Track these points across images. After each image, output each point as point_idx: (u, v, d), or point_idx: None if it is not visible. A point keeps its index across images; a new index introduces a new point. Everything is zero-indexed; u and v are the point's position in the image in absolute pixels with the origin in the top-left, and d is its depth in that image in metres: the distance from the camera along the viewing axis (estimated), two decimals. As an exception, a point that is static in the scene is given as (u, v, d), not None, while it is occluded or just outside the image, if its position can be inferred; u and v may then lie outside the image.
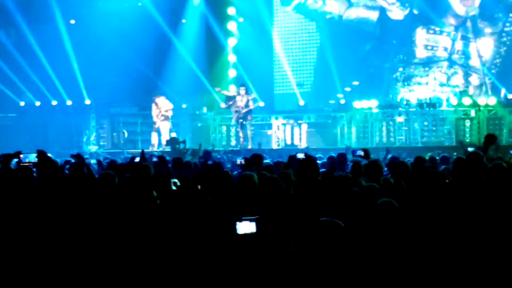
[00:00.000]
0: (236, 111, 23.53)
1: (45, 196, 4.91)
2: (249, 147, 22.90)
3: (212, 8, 27.45)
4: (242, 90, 23.64)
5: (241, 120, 23.56)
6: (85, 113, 25.67)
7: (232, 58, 27.95)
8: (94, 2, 27.05)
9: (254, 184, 7.06)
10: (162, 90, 24.83)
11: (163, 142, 23.63)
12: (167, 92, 24.74)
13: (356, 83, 26.42)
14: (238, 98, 23.57)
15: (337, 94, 25.96)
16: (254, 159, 10.70)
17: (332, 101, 25.66)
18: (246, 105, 23.43)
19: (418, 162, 10.64)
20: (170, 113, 24.13)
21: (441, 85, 25.07)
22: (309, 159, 9.53)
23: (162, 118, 24.04)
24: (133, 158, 12.61)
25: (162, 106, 24.04)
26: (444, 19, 26.54)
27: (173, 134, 24.02)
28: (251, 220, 3.61)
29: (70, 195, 4.95)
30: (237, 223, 3.62)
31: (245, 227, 3.59)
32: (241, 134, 23.78)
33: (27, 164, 5.30)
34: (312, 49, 28.49)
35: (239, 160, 11.43)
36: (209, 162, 12.24)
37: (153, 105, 24.12)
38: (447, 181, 7.65)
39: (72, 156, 9.86)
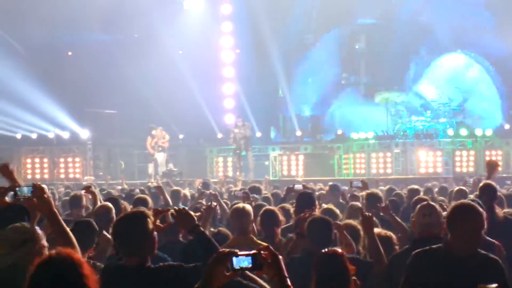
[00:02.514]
0: (235, 142, 23.56)
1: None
2: (251, 177, 22.83)
3: (207, 37, 27.58)
4: (240, 122, 23.68)
5: (238, 151, 23.58)
6: (82, 144, 25.61)
7: (229, 88, 27.99)
8: (90, 34, 27.16)
9: (248, 216, 7.03)
10: (160, 121, 24.81)
11: (160, 173, 23.63)
12: (166, 123, 24.75)
13: None
14: (236, 130, 23.62)
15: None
16: (252, 191, 10.69)
17: None
18: (244, 135, 23.46)
19: (412, 194, 10.58)
20: (166, 145, 24.15)
21: (438, 116, 25.08)
22: (307, 191, 9.50)
23: (159, 149, 24.05)
24: (131, 190, 12.61)
25: (158, 137, 24.07)
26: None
27: (170, 166, 24.03)
28: (247, 256, 3.57)
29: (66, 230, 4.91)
30: (234, 258, 3.58)
31: (242, 262, 3.55)
32: (238, 165, 23.77)
33: (22, 198, 5.25)
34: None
35: (236, 191, 11.40)
36: (207, 193, 12.22)
37: (149, 137, 24.14)
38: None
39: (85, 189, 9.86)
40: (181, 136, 26.24)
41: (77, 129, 25.87)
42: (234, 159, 24.16)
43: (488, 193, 8.07)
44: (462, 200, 5.92)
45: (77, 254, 3.38)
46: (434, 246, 5.14)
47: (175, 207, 5.72)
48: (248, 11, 27.60)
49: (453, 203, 5.55)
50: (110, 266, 4.96)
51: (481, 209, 5.03)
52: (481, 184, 8.50)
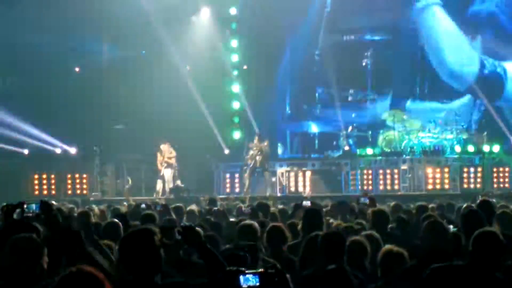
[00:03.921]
0: (252, 160, 23.56)
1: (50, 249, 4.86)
2: (267, 194, 22.82)
3: (215, 53, 27.68)
4: (256, 139, 23.72)
5: (253, 168, 23.57)
6: (90, 160, 25.60)
7: (237, 104, 28.05)
8: (99, 51, 27.28)
9: (255, 233, 7.02)
10: (167, 137, 24.80)
11: (167, 189, 23.63)
12: (173, 138, 24.76)
13: None
14: (251, 145, 23.66)
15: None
16: (260, 207, 10.67)
17: None
18: (261, 152, 23.47)
19: (421, 211, 10.53)
20: (173, 161, 24.12)
21: (446, 132, 25.03)
22: (315, 207, 9.49)
23: (165, 165, 24.05)
24: (137, 205, 12.62)
25: (165, 153, 24.07)
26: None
27: (178, 182, 24.01)
28: (254, 274, 3.56)
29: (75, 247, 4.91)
30: (241, 276, 3.57)
31: (249, 280, 3.54)
32: (247, 182, 23.74)
33: (30, 214, 5.26)
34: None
35: (245, 208, 11.41)
36: (214, 210, 12.23)
37: (158, 153, 24.15)
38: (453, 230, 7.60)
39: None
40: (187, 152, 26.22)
41: (69, 146, 25.92)
42: (244, 175, 24.09)
43: (486, 210, 8.28)
44: (487, 228, 6.05)
45: (99, 272, 3.38)
46: (455, 263, 5.52)
47: (182, 224, 5.71)
48: (255, 27, 27.68)
49: (479, 230, 5.66)
50: (119, 282, 4.96)
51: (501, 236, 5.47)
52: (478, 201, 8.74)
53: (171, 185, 23.87)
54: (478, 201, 8.63)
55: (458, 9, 27.60)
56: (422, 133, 25.18)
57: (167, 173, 24.01)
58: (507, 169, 23.58)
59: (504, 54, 27.19)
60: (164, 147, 24.10)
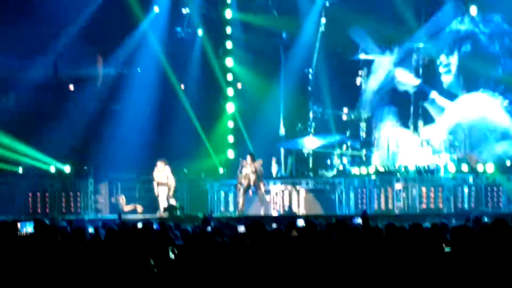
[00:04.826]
0: (245, 179, 23.54)
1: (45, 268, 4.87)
2: (261, 213, 22.90)
3: (210, 71, 27.77)
4: (249, 158, 23.71)
5: (245, 187, 23.55)
6: (83, 178, 25.56)
7: (231, 123, 28.12)
8: (92, 68, 27.35)
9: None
10: (162, 155, 24.81)
11: (161, 208, 23.62)
12: (167, 157, 24.77)
13: None
14: (244, 163, 23.65)
15: None
16: (255, 227, 10.63)
17: None
18: (255, 171, 23.47)
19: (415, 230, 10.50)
20: (165, 180, 24.12)
21: (440, 151, 25.08)
22: (310, 226, 9.49)
23: (159, 183, 24.10)
24: (134, 225, 12.60)
25: (159, 170, 24.11)
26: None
27: (172, 200, 23.98)
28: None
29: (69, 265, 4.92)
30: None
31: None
32: (241, 200, 23.73)
33: (24, 235, 5.25)
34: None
35: (240, 228, 11.38)
36: (208, 229, 12.20)
37: (154, 172, 24.16)
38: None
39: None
40: (185, 170, 26.21)
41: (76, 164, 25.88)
42: (238, 193, 24.08)
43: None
44: None
45: None
46: None
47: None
48: (250, 46, 27.79)
49: None
50: None
51: None
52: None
53: (164, 204, 23.86)
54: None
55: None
56: (416, 152, 25.23)
57: (161, 191, 24.01)
58: (501, 188, 23.60)
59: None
60: (158, 164, 24.10)
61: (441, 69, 27.48)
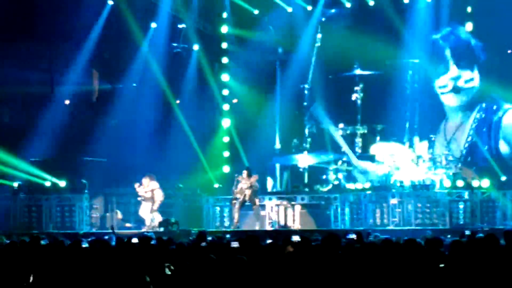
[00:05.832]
0: (241, 194, 23.54)
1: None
2: (257, 228, 22.98)
3: (205, 86, 27.84)
4: (245, 173, 23.70)
5: (240, 202, 23.55)
6: (78, 193, 25.52)
7: (226, 138, 28.18)
8: (88, 83, 27.44)
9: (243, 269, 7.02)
10: (156, 170, 24.83)
11: (147, 223, 23.81)
12: (162, 172, 24.78)
13: None
14: (240, 178, 23.64)
15: None
16: (250, 242, 10.63)
17: None
18: (250, 187, 23.48)
19: (410, 245, 10.50)
20: (148, 195, 24.20)
21: (435, 167, 25.10)
22: (305, 241, 9.49)
23: (143, 198, 24.26)
24: (129, 239, 12.57)
25: (145, 186, 24.24)
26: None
27: (155, 215, 24.04)
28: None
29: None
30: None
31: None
32: (236, 215, 23.72)
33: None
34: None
35: (232, 242, 11.34)
36: (203, 244, 12.17)
37: (139, 184, 24.28)
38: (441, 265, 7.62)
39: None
40: (180, 185, 26.20)
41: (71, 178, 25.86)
42: (233, 208, 24.06)
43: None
44: None
45: None
46: None
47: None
48: (246, 62, 27.87)
49: None
50: None
51: None
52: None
53: (148, 220, 24.04)
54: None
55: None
56: (412, 167, 25.24)
57: (145, 207, 24.19)
58: (496, 204, 23.62)
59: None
60: (145, 180, 24.20)
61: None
